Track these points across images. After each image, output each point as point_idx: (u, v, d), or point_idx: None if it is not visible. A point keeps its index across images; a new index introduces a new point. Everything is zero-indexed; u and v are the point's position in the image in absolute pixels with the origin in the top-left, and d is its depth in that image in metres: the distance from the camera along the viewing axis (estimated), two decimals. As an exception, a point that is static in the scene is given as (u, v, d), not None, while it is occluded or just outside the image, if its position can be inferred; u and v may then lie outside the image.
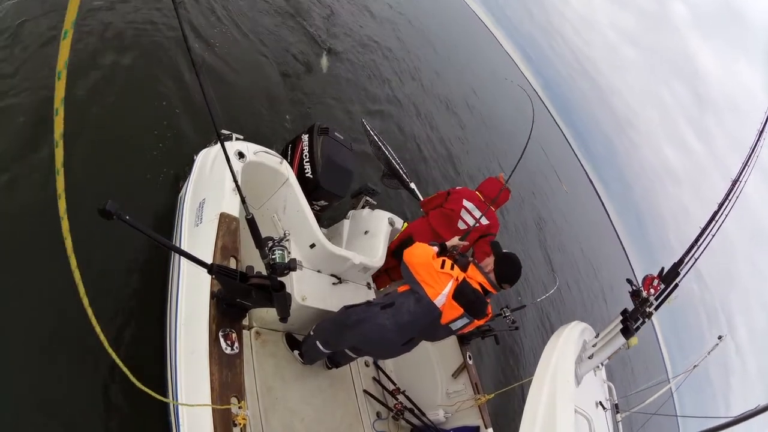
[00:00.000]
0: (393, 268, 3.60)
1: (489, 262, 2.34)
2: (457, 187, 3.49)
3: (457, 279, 2.23)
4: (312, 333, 2.73)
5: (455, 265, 2.29)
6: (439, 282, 2.22)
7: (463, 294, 2.20)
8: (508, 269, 2.32)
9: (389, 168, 4.02)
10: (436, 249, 2.40)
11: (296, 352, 2.90)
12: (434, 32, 18.17)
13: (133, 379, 1.39)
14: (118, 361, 1.37)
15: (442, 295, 2.20)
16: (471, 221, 3.23)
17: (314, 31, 7.67)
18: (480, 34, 42.32)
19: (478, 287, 2.25)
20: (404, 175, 3.97)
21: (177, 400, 1.84)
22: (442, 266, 2.24)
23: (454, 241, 2.63)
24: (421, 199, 3.81)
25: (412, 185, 3.98)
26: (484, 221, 3.25)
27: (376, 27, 11.32)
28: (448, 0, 32.63)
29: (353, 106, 7.25)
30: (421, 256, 2.30)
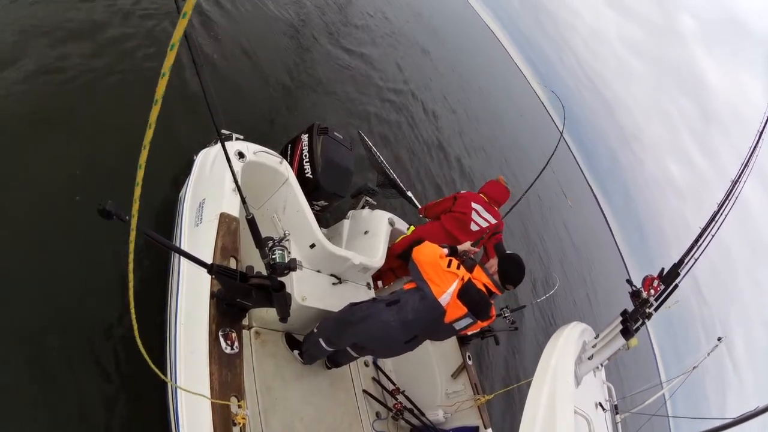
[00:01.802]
0: (399, 267, 3.69)
1: (493, 264, 2.37)
2: (461, 191, 3.66)
3: (462, 279, 2.26)
4: (315, 330, 2.73)
5: (461, 266, 2.31)
6: (444, 281, 2.25)
7: (468, 293, 2.22)
8: (511, 270, 2.34)
9: (386, 177, 4.16)
10: (446, 251, 2.43)
11: (296, 352, 2.90)
12: (448, 45, 18.10)
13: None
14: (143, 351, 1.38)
15: (447, 294, 2.23)
16: (481, 222, 3.40)
17: (320, 35, 7.66)
18: (492, 46, 42.17)
19: (482, 288, 2.27)
20: (401, 184, 4.12)
21: (177, 400, 1.84)
22: (449, 265, 2.28)
23: (466, 245, 2.67)
24: (419, 206, 3.94)
25: (409, 193, 4.12)
26: (492, 220, 3.45)
27: (381, 33, 11.32)
28: (459, 10, 32.60)
29: (354, 108, 7.26)
30: (429, 255, 2.34)
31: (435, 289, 2.25)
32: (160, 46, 4.21)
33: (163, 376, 1.54)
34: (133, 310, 1.33)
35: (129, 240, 1.19)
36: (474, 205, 3.44)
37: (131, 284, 1.27)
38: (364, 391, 3.25)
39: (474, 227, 3.40)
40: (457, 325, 2.30)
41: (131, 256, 1.22)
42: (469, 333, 2.96)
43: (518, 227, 12.11)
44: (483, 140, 14.39)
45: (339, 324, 2.59)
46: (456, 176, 9.64)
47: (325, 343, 2.65)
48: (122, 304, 2.63)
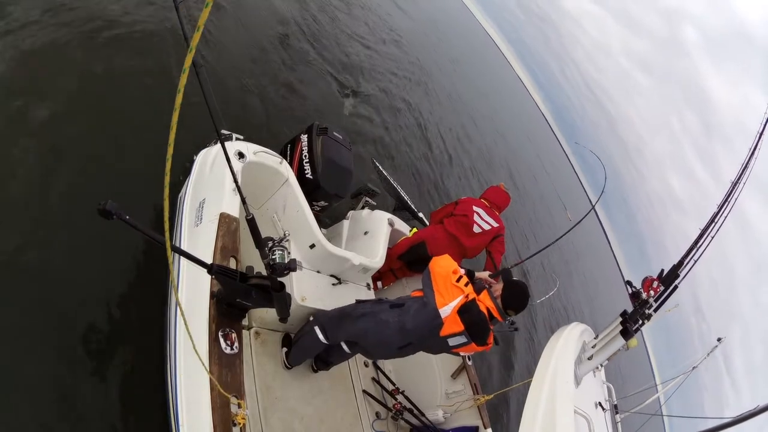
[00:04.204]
0: (399, 268, 3.72)
1: (498, 288, 2.37)
2: (462, 197, 3.74)
3: (467, 296, 2.26)
4: (312, 318, 2.73)
5: (470, 284, 2.33)
6: (449, 293, 2.26)
7: (468, 311, 2.22)
8: (514, 296, 2.34)
9: (399, 202, 4.37)
10: (463, 270, 2.43)
11: (284, 350, 2.88)
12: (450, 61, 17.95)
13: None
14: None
15: (448, 307, 2.23)
16: (484, 225, 3.49)
17: (323, 41, 7.65)
18: (498, 64, 41.78)
19: (485, 311, 2.26)
20: (413, 207, 4.35)
21: (177, 399, 1.85)
22: (458, 280, 2.30)
23: (484, 275, 2.67)
24: (429, 224, 4.05)
25: (420, 214, 4.32)
26: (495, 224, 3.52)
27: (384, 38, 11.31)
28: (460, 18, 32.46)
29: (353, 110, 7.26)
30: (444, 267, 2.37)
31: (438, 299, 2.26)
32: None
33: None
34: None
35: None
36: (475, 208, 3.50)
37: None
38: (364, 392, 3.25)
39: (477, 229, 3.45)
40: (451, 341, 2.29)
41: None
42: (462, 354, 2.95)
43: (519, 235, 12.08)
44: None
45: (340, 315, 2.60)
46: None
47: (321, 332, 2.61)
48: (124, 303, 2.64)
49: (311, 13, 8.09)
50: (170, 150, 1.04)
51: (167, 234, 1.15)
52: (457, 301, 2.24)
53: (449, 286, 2.28)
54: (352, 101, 7.26)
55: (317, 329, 2.62)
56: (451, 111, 13.35)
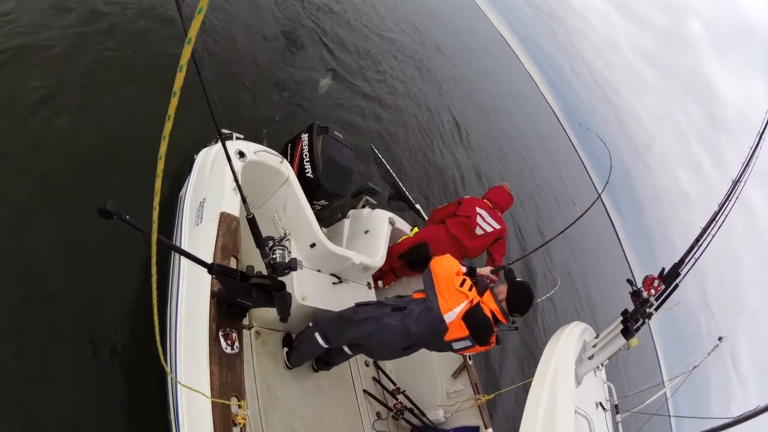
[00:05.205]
0: (400, 267, 3.71)
1: (502, 290, 2.34)
2: (465, 197, 3.69)
3: (471, 301, 2.24)
4: (311, 325, 2.71)
5: (474, 288, 2.30)
6: (453, 299, 2.24)
7: (473, 317, 2.21)
8: (519, 299, 2.31)
9: (396, 190, 4.27)
10: (464, 269, 2.42)
11: (285, 350, 2.88)
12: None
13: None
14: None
15: (452, 312, 2.22)
16: (486, 227, 3.44)
17: (325, 40, 7.64)
18: (509, 61, 41.64)
19: (489, 315, 2.25)
20: (410, 197, 4.26)
21: (177, 399, 1.85)
22: (461, 285, 2.27)
23: (485, 271, 2.65)
24: (426, 218, 4.02)
25: (418, 206, 4.24)
26: (497, 226, 3.48)
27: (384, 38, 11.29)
28: (472, 18, 32.41)
29: (353, 106, 7.25)
30: (446, 268, 2.34)
31: (442, 305, 2.24)
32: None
33: (165, 366, 1.53)
34: (155, 298, 1.32)
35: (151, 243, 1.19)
36: (478, 209, 3.46)
37: (154, 278, 1.27)
38: (365, 391, 3.25)
39: (479, 231, 3.42)
40: (456, 345, 2.28)
41: (154, 249, 1.22)
42: (466, 353, 2.95)
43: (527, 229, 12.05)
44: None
45: (341, 321, 2.59)
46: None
47: (321, 337, 2.62)
48: (124, 303, 2.64)
49: (315, 6, 8.06)
50: (158, 182, 1.05)
51: (155, 228, 1.16)
52: (461, 307, 2.21)
53: (453, 291, 2.25)
54: (345, 93, 7.21)
55: (317, 335, 2.62)
56: (459, 104, 13.35)
